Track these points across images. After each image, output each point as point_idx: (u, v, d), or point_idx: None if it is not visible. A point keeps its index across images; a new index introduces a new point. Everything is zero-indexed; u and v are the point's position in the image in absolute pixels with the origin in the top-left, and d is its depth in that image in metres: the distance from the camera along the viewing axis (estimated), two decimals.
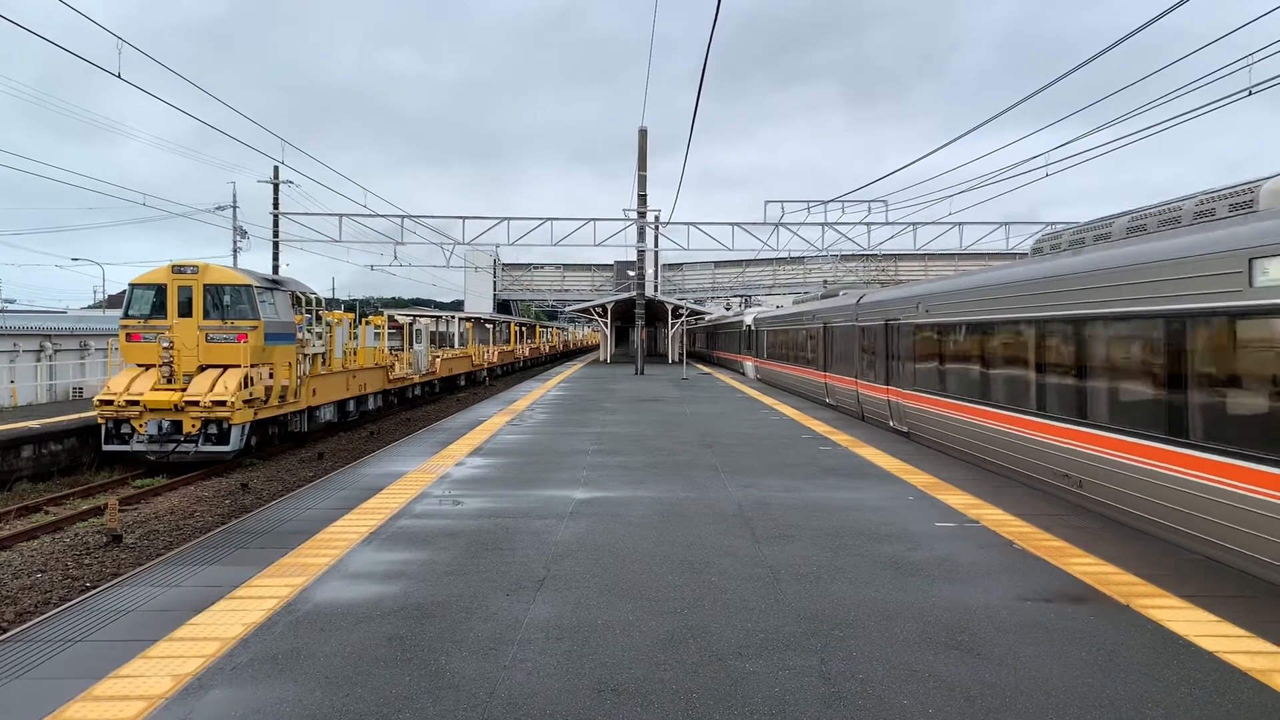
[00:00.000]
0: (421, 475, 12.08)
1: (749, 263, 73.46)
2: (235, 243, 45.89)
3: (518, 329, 65.88)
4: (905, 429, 16.87)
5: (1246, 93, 15.88)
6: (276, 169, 40.21)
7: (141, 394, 19.22)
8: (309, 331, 23.96)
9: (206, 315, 20.52)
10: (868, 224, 37.87)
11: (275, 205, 40.18)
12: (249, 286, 20.86)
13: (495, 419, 19.53)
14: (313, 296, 24.73)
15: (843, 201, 37.09)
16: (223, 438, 19.41)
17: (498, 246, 53.07)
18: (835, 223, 38.15)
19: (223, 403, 19.16)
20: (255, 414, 20.31)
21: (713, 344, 57.54)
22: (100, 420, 19.35)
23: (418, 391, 37.31)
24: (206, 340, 20.39)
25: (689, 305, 53.17)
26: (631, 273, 48.75)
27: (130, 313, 20.68)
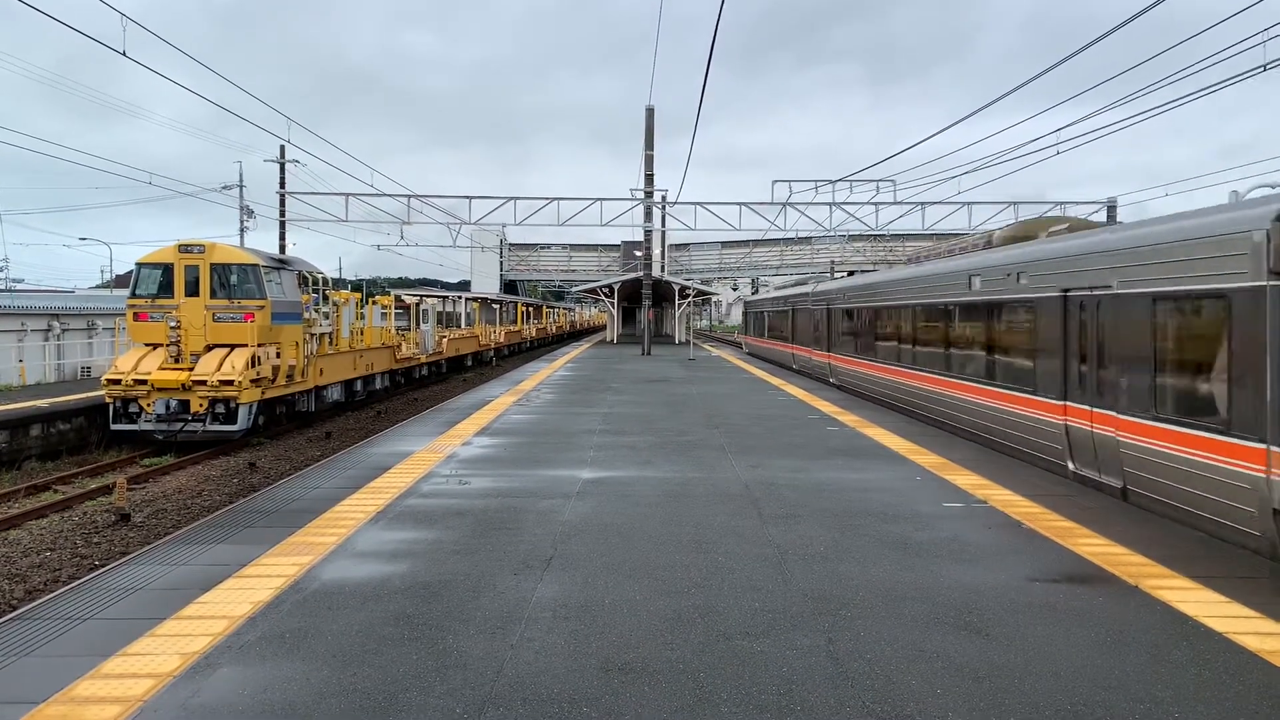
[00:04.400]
0: (429, 455, 12.09)
1: (756, 243, 73.08)
2: (242, 222, 45.89)
3: (524, 309, 65.81)
4: (838, 383, 23.81)
5: (1262, 68, 15.68)
6: (283, 148, 40.04)
7: (149, 373, 19.25)
8: (316, 311, 23.94)
9: (213, 295, 20.51)
10: (875, 204, 37.60)
11: (281, 184, 40.07)
12: (255, 266, 20.83)
13: (502, 399, 19.54)
14: (320, 276, 24.71)
15: (851, 181, 36.75)
16: (230, 417, 19.45)
17: (504, 227, 52.94)
18: (843, 203, 37.88)
19: (230, 382, 19.19)
20: (262, 393, 20.34)
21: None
22: (108, 399, 19.40)
23: (425, 371, 37.35)
24: (213, 320, 20.39)
25: (695, 285, 53.03)
26: (638, 253, 48.61)
27: (137, 292, 20.69)
